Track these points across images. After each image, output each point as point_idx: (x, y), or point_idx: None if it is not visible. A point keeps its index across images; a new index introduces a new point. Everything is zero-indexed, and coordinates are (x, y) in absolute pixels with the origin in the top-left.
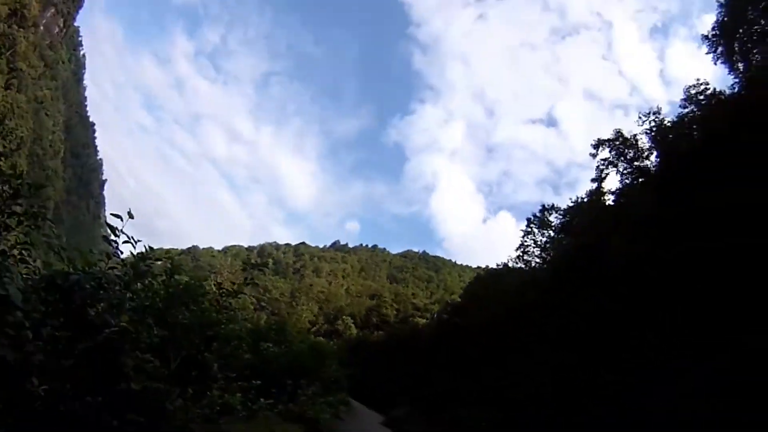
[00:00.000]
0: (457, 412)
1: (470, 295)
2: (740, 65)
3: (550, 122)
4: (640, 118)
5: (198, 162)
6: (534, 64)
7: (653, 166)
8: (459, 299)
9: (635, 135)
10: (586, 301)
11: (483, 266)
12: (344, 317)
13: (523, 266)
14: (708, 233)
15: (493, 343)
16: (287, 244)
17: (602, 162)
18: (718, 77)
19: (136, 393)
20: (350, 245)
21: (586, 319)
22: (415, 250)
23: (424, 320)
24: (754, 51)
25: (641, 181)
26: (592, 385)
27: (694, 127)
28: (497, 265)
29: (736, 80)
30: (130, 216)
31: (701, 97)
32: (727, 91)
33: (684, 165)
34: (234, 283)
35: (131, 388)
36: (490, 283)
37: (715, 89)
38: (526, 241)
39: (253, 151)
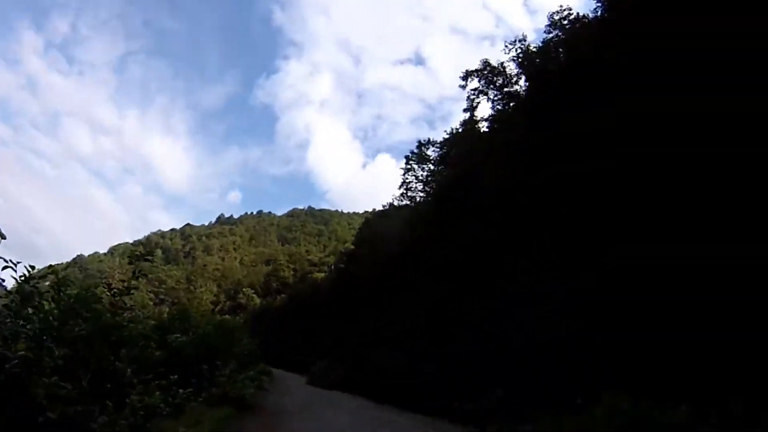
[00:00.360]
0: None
1: (361, 240)
2: None
3: (419, 61)
4: (506, 46)
5: (65, 164)
6: (397, 5)
7: (523, 91)
8: (352, 246)
9: (503, 63)
10: (463, 231)
11: (370, 210)
12: (244, 289)
13: (408, 203)
14: (574, 156)
15: (384, 284)
16: (172, 230)
17: (472, 92)
18: (582, 2)
19: (55, 422)
20: (235, 216)
21: (464, 249)
22: (300, 207)
23: (323, 274)
24: None
25: (512, 106)
26: (461, 314)
27: (560, 50)
28: (383, 207)
29: (599, 4)
30: (2, 236)
31: (565, 22)
32: (591, 15)
33: (551, 89)
34: (124, 281)
35: (49, 418)
36: (379, 225)
37: (578, 13)
38: (407, 179)
39: (119, 140)
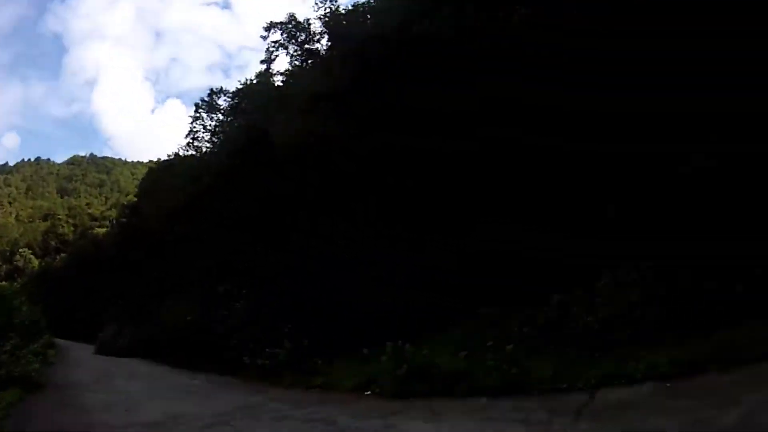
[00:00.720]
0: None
1: (144, 192)
2: None
3: (225, 4)
4: (316, 4)
5: None
6: None
7: (323, 49)
8: (135, 198)
9: (308, 20)
10: (257, 184)
11: (155, 160)
12: (21, 250)
13: (194, 153)
14: (409, 130)
15: (169, 236)
16: None
17: (273, 44)
18: None
19: None
20: (11, 163)
21: (259, 202)
22: (82, 154)
23: (104, 229)
24: None
25: (310, 63)
26: (255, 266)
27: (368, 17)
28: (168, 156)
29: None
30: None
31: None
32: None
33: (355, 53)
34: None
35: None
36: (163, 175)
37: None
38: (195, 127)
39: None
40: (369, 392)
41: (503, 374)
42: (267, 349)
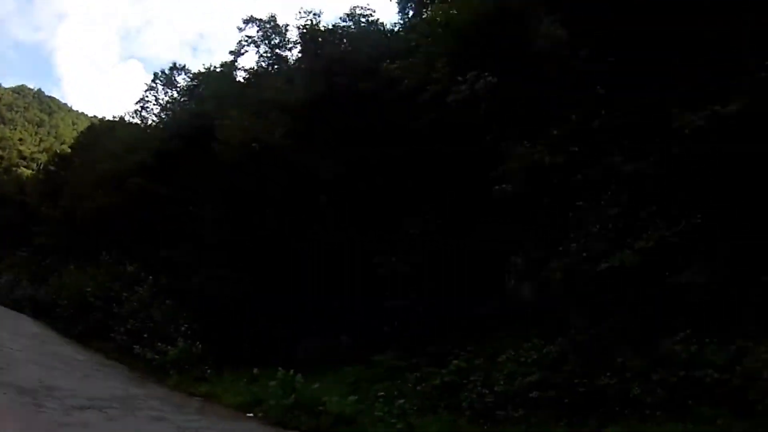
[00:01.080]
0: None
1: (80, 146)
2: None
3: None
4: (299, 12)
5: None
6: None
7: (293, 59)
8: (69, 150)
9: (287, 25)
10: (191, 173)
11: (100, 116)
12: None
13: (139, 123)
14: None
15: (91, 200)
16: None
17: (247, 38)
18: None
19: None
20: None
21: (189, 191)
22: (31, 86)
23: (30, 172)
24: None
25: (276, 68)
26: (171, 254)
27: (345, 41)
28: (114, 118)
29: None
30: None
31: (362, 21)
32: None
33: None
34: None
35: None
36: (103, 135)
37: (379, 20)
38: (147, 97)
39: None
40: (252, 414)
41: (389, 427)
42: (159, 344)
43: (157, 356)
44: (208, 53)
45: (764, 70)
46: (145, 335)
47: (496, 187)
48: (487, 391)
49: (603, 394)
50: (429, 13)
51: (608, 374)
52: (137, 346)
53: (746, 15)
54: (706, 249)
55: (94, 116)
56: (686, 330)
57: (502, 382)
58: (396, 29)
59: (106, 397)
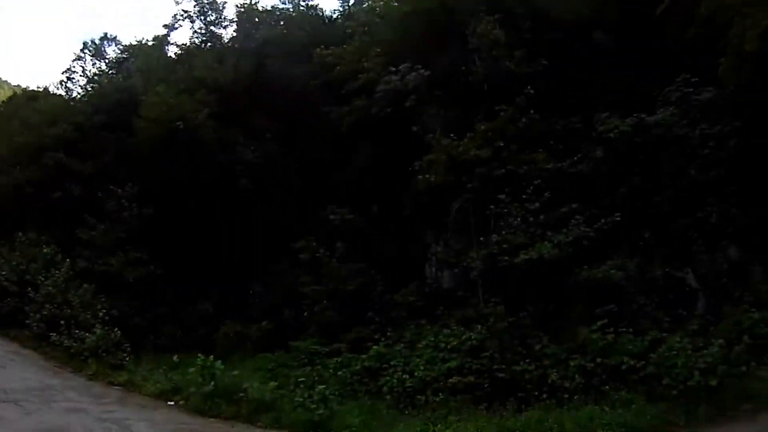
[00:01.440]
0: None
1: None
2: None
3: None
4: None
5: None
6: None
7: (227, 38)
8: None
9: (225, 2)
10: (114, 152)
11: (24, 87)
12: None
13: (63, 94)
14: None
15: (10, 175)
16: None
17: (182, 12)
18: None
19: None
20: None
21: (111, 168)
22: None
23: None
24: None
25: (209, 45)
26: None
27: (281, 23)
28: (38, 88)
29: None
30: None
31: (302, 4)
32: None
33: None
34: None
35: None
36: (23, 107)
37: (318, 6)
38: (74, 67)
39: None
40: (173, 402)
41: (310, 413)
42: (77, 331)
43: (74, 344)
44: (143, 25)
45: (689, 85)
46: (62, 322)
47: (420, 176)
48: (407, 377)
49: (521, 380)
50: (370, 2)
51: (527, 361)
52: (54, 334)
53: (677, 33)
54: (623, 246)
55: (18, 86)
56: (603, 320)
57: (422, 368)
58: (334, 16)
59: (21, 389)
